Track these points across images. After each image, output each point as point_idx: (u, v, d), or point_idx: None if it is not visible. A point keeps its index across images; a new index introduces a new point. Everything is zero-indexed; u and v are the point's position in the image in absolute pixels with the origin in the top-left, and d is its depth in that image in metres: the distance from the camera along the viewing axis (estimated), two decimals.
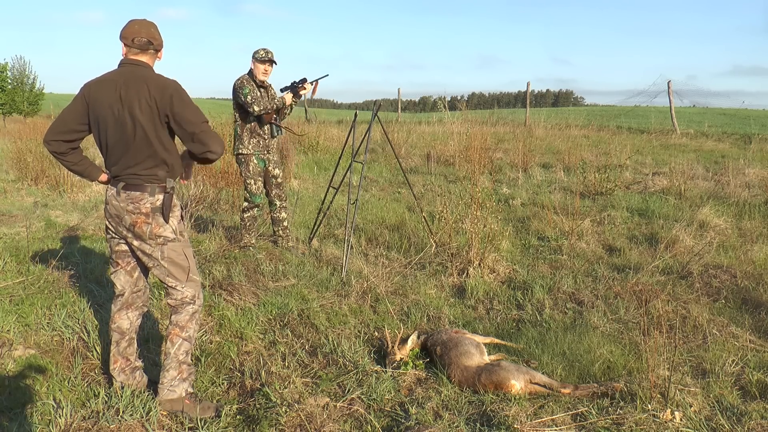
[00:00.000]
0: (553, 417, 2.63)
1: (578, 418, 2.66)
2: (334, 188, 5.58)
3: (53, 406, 2.64)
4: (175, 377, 2.67)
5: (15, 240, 5.29)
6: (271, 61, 4.94)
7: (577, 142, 12.40)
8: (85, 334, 3.36)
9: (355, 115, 5.34)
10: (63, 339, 3.36)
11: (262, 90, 4.96)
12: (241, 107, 4.92)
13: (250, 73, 4.97)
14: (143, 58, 2.63)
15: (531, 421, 2.60)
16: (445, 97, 14.48)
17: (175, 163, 2.64)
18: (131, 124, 2.52)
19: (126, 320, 2.81)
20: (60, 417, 2.54)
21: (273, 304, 3.91)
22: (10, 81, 32.84)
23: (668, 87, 16.73)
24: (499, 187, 8.38)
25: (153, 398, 2.70)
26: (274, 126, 5.05)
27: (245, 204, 5.17)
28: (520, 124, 16.19)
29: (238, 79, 4.91)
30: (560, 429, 2.56)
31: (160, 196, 2.58)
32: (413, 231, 5.68)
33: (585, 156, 10.43)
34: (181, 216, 2.70)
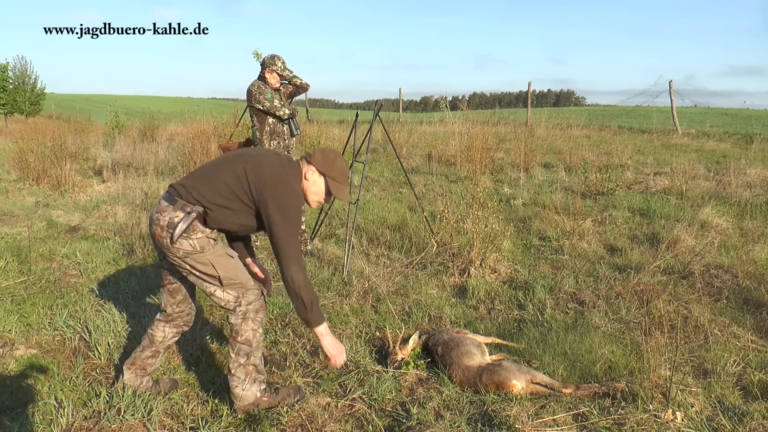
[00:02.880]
0: (555, 417, 2.63)
1: (579, 418, 2.65)
2: None
3: (55, 405, 2.64)
4: (243, 380, 2.62)
5: (17, 240, 5.30)
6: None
7: (579, 142, 12.39)
8: (87, 333, 3.37)
9: (357, 114, 5.35)
10: (64, 339, 3.37)
11: (277, 94, 5.00)
12: (258, 112, 4.95)
13: (261, 78, 4.98)
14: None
15: (532, 421, 2.60)
16: (446, 97, 14.45)
17: (216, 209, 2.49)
18: (226, 169, 2.52)
19: (161, 332, 2.77)
20: (61, 417, 2.54)
21: (274, 304, 3.91)
22: (11, 81, 32.88)
23: (669, 87, 16.72)
24: (501, 187, 8.38)
25: (154, 398, 2.71)
26: (293, 124, 5.09)
27: None
28: (521, 124, 16.18)
29: (255, 86, 4.92)
30: (561, 429, 2.56)
31: (180, 214, 2.46)
32: (414, 231, 5.67)
33: (586, 156, 10.42)
34: (208, 239, 2.52)
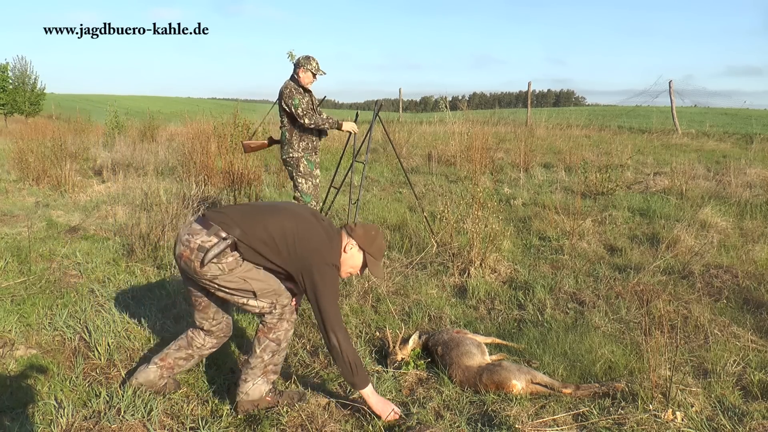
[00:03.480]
0: (555, 417, 2.63)
1: (579, 418, 2.65)
2: (335, 188, 5.58)
3: (55, 405, 2.64)
4: (257, 377, 2.61)
5: (17, 240, 5.30)
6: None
7: (579, 142, 12.39)
8: (87, 334, 3.36)
9: (357, 114, 5.35)
10: (64, 339, 3.37)
11: (307, 96, 5.02)
12: (288, 114, 5.01)
13: (293, 78, 5.01)
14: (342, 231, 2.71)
15: (532, 421, 2.60)
16: (446, 97, 14.45)
17: (248, 250, 2.47)
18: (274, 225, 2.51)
19: (200, 339, 2.76)
20: (61, 417, 2.54)
21: None
22: (11, 81, 32.89)
23: (669, 87, 16.72)
24: (501, 187, 8.38)
25: (154, 398, 2.71)
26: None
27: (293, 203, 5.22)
28: (521, 124, 16.19)
29: (287, 87, 4.98)
30: (561, 429, 2.56)
31: (214, 239, 2.42)
32: (414, 231, 5.67)
33: (586, 156, 10.42)
34: (237, 260, 2.48)
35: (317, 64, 5.00)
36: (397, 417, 2.57)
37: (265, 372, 2.63)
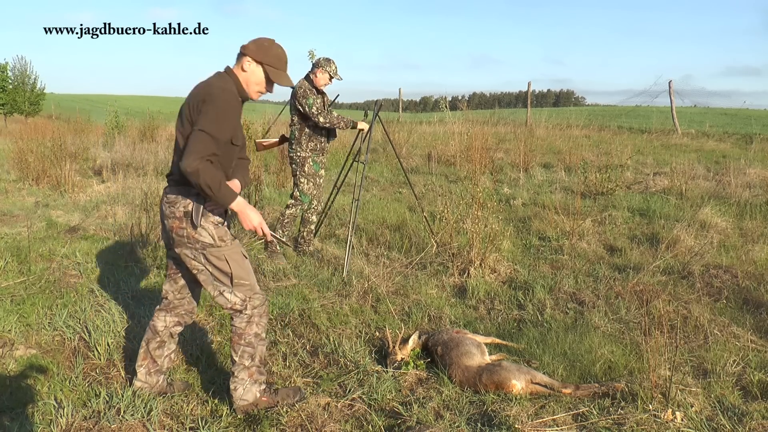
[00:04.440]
0: (554, 417, 2.63)
1: (579, 418, 2.66)
2: (335, 188, 5.58)
3: (54, 405, 2.64)
4: (245, 381, 2.64)
5: (16, 240, 5.30)
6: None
7: (578, 142, 12.39)
8: (87, 333, 3.36)
9: (365, 113, 5.37)
10: (64, 339, 3.37)
11: (320, 97, 5.03)
12: (300, 113, 5.01)
13: (308, 78, 5.02)
14: (233, 65, 2.62)
15: (532, 421, 2.60)
16: (446, 97, 14.44)
17: (206, 163, 2.44)
18: (180, 125, 2.51)
19: (161, 321, 2.77)
20: (61, 417, 2.54)
21: (274, 304, 3.91)
22: (11, 81, 32.86)
23: (669, 87, 16.71)
24: (500, 187, 8.38)
25: (153, 398, 2.71)
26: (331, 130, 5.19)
27: (291, 201, 5.20)
28: (521, 124, 16.19)
29: (300, 87, 4.97)
30: (561, 429, 2.56)
31: (190, 200, 2.49)
32: (414, 231, 5.68)
33: (586, 156, 10.42)
34: (226, 222, 2.58)
35: (336, 68, 5.02)
36: (267, 237, 2.60)
37: (251, 375, 2.65)
